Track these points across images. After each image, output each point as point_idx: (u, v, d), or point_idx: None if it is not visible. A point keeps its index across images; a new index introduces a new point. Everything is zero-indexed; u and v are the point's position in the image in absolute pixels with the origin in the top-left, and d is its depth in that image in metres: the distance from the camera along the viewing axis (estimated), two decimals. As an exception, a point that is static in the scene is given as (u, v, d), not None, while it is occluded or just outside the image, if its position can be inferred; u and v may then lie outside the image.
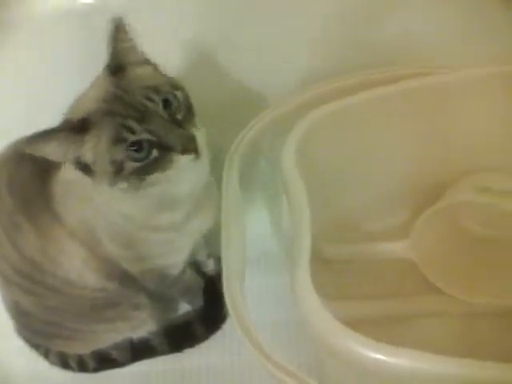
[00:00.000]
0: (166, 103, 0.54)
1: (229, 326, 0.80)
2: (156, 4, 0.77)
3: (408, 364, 0.54)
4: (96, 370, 0.77)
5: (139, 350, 0.78)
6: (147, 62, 0.58)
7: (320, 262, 0.80)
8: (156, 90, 0.54)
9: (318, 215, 0.69)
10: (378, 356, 0.54)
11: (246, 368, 0.78)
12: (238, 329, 0.61)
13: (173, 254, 0.68)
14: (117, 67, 0.55)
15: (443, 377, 0.55)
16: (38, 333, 0.73)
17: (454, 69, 0.78)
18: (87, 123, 0.52)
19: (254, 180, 0.83)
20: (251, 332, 0.60)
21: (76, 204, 0.60)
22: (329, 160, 0.79)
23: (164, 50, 0.74)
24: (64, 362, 0.78)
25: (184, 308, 0.83)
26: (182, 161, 0.53)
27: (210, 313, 0.80)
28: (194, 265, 0.83)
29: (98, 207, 0.59)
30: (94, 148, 0.52)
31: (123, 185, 0.53)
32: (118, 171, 0.53)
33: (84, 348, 0.76)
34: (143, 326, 0.74)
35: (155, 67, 0.58)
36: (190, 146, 0.53)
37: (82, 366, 0.77)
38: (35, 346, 0.78)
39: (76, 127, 0.52)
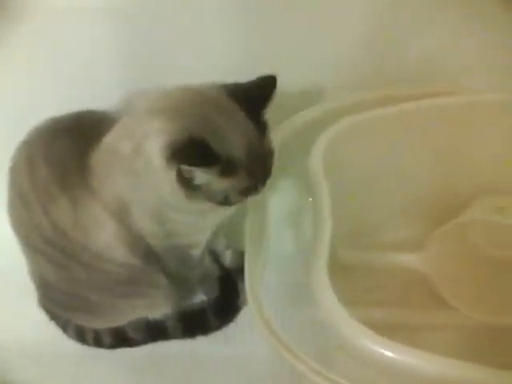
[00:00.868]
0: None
1: (242, 318, 0.83)
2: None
3: (420, 364, 0.58)
4: (111, 346, 0.80)
5: (153, 331, 0.80)
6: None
7: (334, 267, 0.84)
8: (273, 153, 0.63)
9: (336, 221, 0.72)
10: (392, 354, 0.59)
11: (256, 360, 0.79)
12: (257, 317, 0.64)
13: (197, 234, 0.72)
14: (263, 124, 0.62)
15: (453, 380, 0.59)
16: (60, 304, 0.75)
17: (475, 92, 0.82)
18: (236, 168, 0.59)
19: (277, 181, 0.86)
20: (269, 321, 0.64)
21: (115, 178, 0.63)
22: (352, 170, 0.82)
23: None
24: (81, 335, 0.80)
25: (200, 298, 0.86)
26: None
27: (225, 304, 0.83)
28: (213, 254, 0.86)
29: (139, 185, 0.62)
30: (224, 184, 0.60)
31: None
32: (225, 202, 0.62)
33: (102, 323, 0.79)
34: (160, 306, 0.77)
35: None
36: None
37: (97, 341, 0.79)
38: (55, 318, 0.80)
39: (226, 168, 0.58)
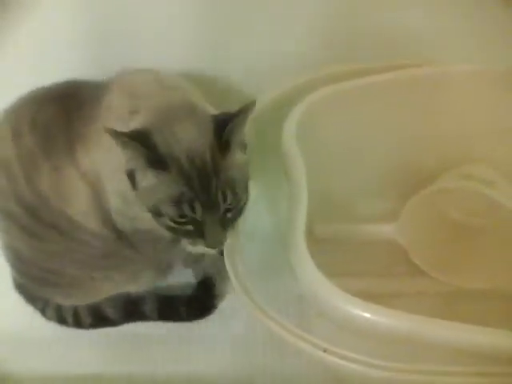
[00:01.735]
0: (231, 199, 0.58)
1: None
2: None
3: (396, 323, 0.61)
4: (90, 326, 0.80)
5: (131, 311, 0.80)
6: (244, 148, 0.61)
7: (310, 241, 0.85)
8: (232, 186, 0.57)
9: (310, 194, 0.73)
10: (369, 315, 0.61)
11: (237, 340, 0.81)
12: (234, 282, 0.66)
13: None
14: (225, 143, 0.57)
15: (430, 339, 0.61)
16: (36, 281, 0.75)
17: (447, 63, 0.84)
18: (167, 164, 0.55)
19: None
20: (247, 285, 0.67)
21: (97, 152, 0.64)
22: (325, 142, 0.83)
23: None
24: (60, 316, 0.80)
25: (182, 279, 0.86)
26: (201, 248, 0.60)
27: (202, 297, 0.83)
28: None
29: (115, 167, 0.61)
30: (154, 182, 0.56)
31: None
32: (155, 214, 0.58)
33: (81, 298, 0.79)
34: (136, 281, 0.77)
35: (247, 158, 0.61)
36: (217, 247, 0.61)
37: (77, 321, 0.80)
38: (33, 301, 0.80)
39: (157, 159, 0.55)
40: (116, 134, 0.54)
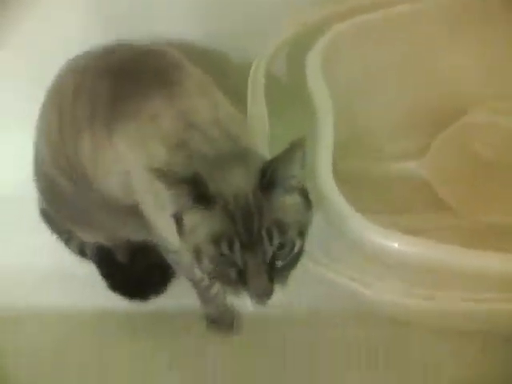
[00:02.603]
0: (280, 246, 0.52)
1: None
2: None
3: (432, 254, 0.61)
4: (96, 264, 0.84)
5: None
6: (302, 192, 0.56)
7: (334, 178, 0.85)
8: (283, 229, 0.52)
9: (336, 130, 0.72)
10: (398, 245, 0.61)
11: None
12: None
13: None
14: (267, 182, 0.52)
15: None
16: (68, 217, 0.78)
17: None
18: (214, 202, 0.52)
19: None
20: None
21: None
22: (349, 76, 0.82)
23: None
24: (82, 250, 0.85)
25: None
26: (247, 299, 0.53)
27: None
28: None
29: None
30: (197, 220, 0.53)
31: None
32: (197, 258, 0.53)
33: (101, 237, 0.81)
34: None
35: (306, 201, 0.56)
36: (261, 299, 0.52)
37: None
38: (58, 231, 0.84)
39: (204, 197, 0.51)
40: (166, 177, 0.51)
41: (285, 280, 0.54)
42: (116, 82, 0.64)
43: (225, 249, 0.51)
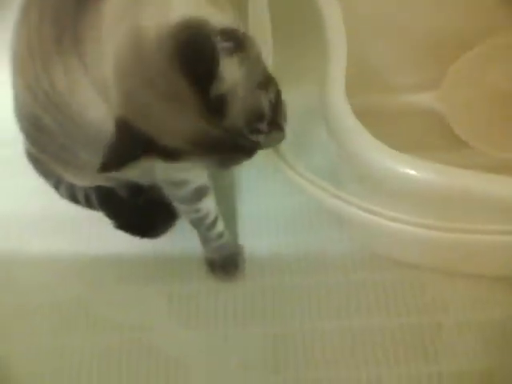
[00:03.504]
0: None
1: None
2: None
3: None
4: (99, 206, 0.78)
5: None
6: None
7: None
8: (260, 118, 0.50)
9: (349, 63, 0.66)
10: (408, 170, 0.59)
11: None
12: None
13: None
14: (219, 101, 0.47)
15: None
16: (54, 157, 0.70)
17: None
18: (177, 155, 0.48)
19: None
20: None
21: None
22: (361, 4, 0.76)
23: None
24: (73, 195, 0.78)
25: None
26: None
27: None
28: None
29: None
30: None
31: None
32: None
33: (88, 180, 0.74)
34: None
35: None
36: None
37: (88, 200, 0.78)
38: (46, 175, 0.77)
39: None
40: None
41: None
42: None
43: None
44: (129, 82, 0.47)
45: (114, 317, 0.74)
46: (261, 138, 0.51)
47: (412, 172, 0.59)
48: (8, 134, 0.73)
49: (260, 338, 0.72)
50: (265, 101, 0.50)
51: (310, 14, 0.69)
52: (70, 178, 0.75)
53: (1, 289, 0.77)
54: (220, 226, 0.73)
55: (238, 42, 0.47)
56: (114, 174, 0.68)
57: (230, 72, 0.46)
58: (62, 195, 0.79)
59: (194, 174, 0.66)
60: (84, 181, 0.75)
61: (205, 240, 0.74)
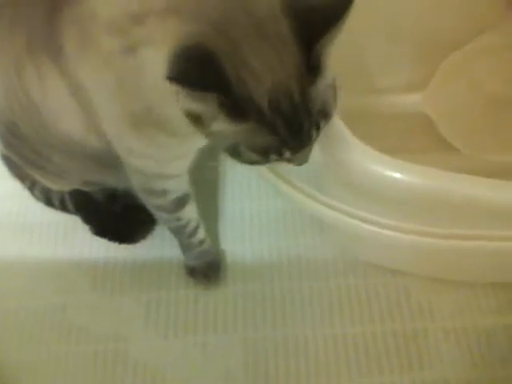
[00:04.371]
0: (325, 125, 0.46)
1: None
2: None
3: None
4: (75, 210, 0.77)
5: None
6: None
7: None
8: (326, 112, 0.45)
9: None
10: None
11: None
12: None
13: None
14: (316, 66, 0.42)
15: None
16: (27, 161, 0.68)
17: None
18: (244, 110, 0.41)
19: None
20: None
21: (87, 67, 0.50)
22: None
23: None
24: (48, 198, 0.77)
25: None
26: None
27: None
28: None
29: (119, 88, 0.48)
30: (229, 129, 0.43)
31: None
32: (233, 153, 0.46)
33: (64, 185, 0.73)
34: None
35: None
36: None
37: (63, 205, 0.77)
38: (20, 178, 0.76)
39: (229, 105, 0.41)
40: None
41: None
42: None
43: (273, 159, 0.46)
44: (224, 7, 0.41)
45: (89, 325, 0.72)
46: (315, 138, 0.47)
47: (396, 174, 0.57)
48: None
49: (240, 346, 0.70)
50: (332, 102, 0.47)
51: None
52: (46, 182, 0.74)
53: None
54: (201, 233, 0.71)
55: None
56: (92, 177, 0.67)
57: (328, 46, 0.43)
58: (37, 198, 0.77)
59: (176, 183, 0.62)
60: (59, 185, 0.74)
61: (185, 247, 0.72)
